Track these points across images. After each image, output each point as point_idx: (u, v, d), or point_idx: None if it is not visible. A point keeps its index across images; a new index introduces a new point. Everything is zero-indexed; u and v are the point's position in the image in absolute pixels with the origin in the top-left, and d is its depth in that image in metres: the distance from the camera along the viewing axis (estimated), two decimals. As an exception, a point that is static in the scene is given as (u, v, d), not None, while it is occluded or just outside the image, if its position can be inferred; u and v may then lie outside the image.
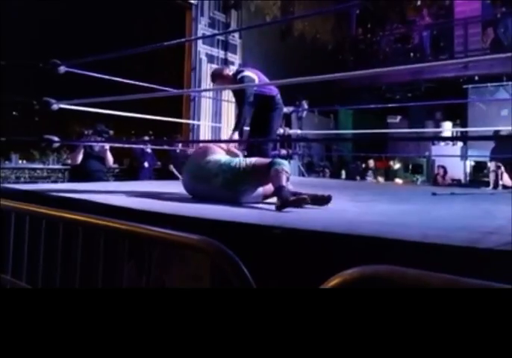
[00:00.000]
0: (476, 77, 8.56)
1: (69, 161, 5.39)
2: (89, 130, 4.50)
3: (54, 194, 2.62)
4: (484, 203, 3.25)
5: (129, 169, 6.36)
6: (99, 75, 3.59)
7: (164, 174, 5.80)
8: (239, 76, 3.27)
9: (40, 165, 6.06)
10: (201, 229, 1.65)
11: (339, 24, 10.82)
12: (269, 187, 2.55)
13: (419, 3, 10.33)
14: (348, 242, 1.52)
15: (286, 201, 2.25)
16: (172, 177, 5.65)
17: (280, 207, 2.25)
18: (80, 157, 4.35)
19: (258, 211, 2.32)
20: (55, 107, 2.94)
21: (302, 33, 9.61)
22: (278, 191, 2.33)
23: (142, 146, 5.85)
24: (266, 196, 2.63)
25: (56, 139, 2.94)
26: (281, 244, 1.61)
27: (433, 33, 9.43)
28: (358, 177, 7.79)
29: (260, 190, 2.58)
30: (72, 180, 4.93)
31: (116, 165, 5.96)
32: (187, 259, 1.17)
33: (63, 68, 3.03)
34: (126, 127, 8.15)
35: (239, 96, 3.24)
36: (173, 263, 1.31)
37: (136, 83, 4.48)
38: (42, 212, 1.53)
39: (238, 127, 3.17)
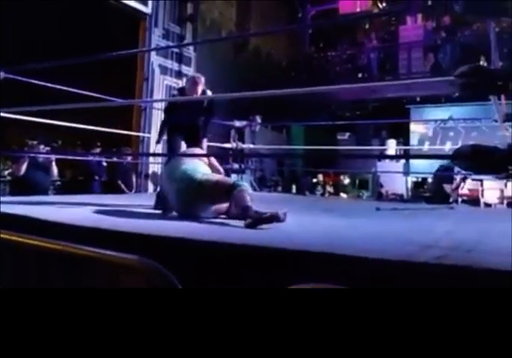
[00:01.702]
0: (418, 98, 9.07)
1: (6, 172, 5.13)
2: (34, 140, 4.32)
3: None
4: (424, 218, 3.43)
5: (73, 182, 6.08)
6: (41, 83, 3.48)
7: (110, 188, 5.58)
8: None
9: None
10: (140, 246, 1.64)
11: (292, 42, 11.13)
12: (221, 207, 2.60)
13: (367, 26, 10.84)
14: (295, 258, 1.56)
15: (259, 218, 2.28)
16: (118, 191, 5.49)
17: (251, 225, 2.27)
18: (24, 168, 4.17)
19: (201, 226, 2.33)
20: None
21: (257, 48, 9.79)
22: (246, 211, 2.36)
23: (96, 158, 5.64)
24: (219, 213, 2.64)
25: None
26: (228, 261, 1.62)
27: (380, 56, 9.91)
28: (307, 192, 7.97)
29: (212, 208, 2.60)
30: (13, 192, 4.68)
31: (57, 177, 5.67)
32: (122, 282, 1.15)
33: (2, 74, 2.91)
34: (73, 138, 7.89)
35: (207, 109, 3.45)
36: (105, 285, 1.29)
37: (84, 92, 4.38)
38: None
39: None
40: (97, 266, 1.24)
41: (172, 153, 3.36)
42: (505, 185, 7.78)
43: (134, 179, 6.21)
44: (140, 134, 6.43)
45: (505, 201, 7.75)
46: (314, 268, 1.48)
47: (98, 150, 6.05)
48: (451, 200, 7.05)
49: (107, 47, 3.28)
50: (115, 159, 6.00)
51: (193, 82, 3.44)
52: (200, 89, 3.45)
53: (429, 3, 7.67)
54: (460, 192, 7.55)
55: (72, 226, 1.99)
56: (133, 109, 6.66)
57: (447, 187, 7.32)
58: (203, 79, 3.47)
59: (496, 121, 4.35)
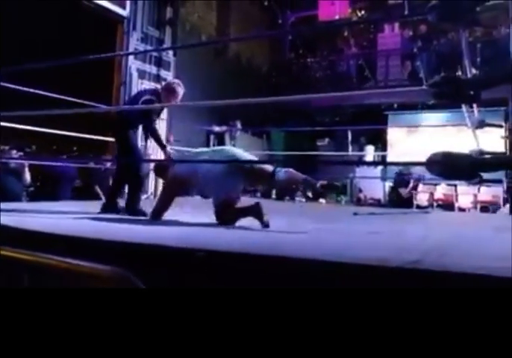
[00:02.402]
0: (395, 105, 9.24)
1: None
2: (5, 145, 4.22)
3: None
4: (400, 222, 3.48)
5: (43, 187, 5.83)
6: (14, 86, 3.40)
7: (86, 194, 5.46)
8: None
9: None
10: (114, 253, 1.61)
11: (273, 48, 11.19)
12: None
13: (346, 33, 10.98)
14: (270, 263, 1.55)
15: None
16: (95, 197, 5.38)
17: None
18: (-7, 173, 4.05)
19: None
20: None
21: (238, 53, 9.80)
22: (307, 180, 2.86)
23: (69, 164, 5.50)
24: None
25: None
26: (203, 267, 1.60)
27: (358, 62, 10.06)
28: (287, 197, 7.98)
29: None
30: None
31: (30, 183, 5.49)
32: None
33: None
34: (49, 143, 7.72)
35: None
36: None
37: (60, 96, 4.31)
38: None
39: None
40: (68, 277, 1.21)
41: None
42: (478, 190, 7.97)
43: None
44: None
45: (478, 206, 7.93)
46: (287, 273, 1.48)
47: (70, 155, 5.91)
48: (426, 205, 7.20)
49: (83, 50, 3.23)
50: (92, 164, 5.89)
51: (170, 90, 3.40)
52: (178, 99, 3.43)
53: (406, 12, 7.82)
54: (415, 194, 7.82)
55: (44, 234, 1.94)
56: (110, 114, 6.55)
57: (402, 191, 7.57)
58: (181, 91, 3.42)
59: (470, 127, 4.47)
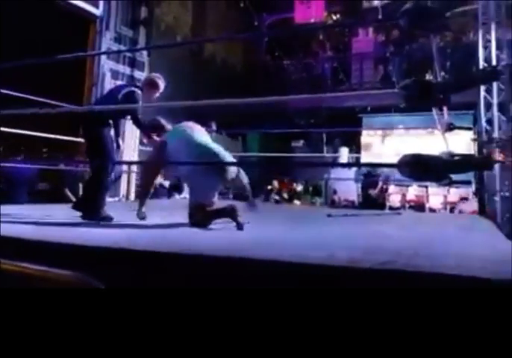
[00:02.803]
0: (369, 108, 9.39)
1: None
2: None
3: None
4: (372, 223, 3.53)
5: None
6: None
7: (54, 197, 5.27)
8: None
9: None
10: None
11: (249, 50, 11.20)
12: None
13: (321, 37, 11.10)
14: (241, 265, 1.54)
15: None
16: (65, 200, 5.22)
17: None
18: None
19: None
20: None
21: (213, 54, 9.76)
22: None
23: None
24: None
25: None
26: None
27: (333, 65, 10.18)
28: (263, 197, 8.00)
29: None
30: None
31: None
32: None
33: None
34: (17, 144, 7.49)
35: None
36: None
37: (30, 97, 4.19)
38: None
39: None
40: (29, 282, 1.17)
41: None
42: (448, 191, 8.18)
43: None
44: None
45: (448, 207, 8.14)
46: (255, 274, 1.47)
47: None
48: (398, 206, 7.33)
49: (54, 49, 3.15)
50: (62, 166, 5.73)
51: (152, 84, 3.33)
52: (157, 94, 3.37)
53: (379, 17, 7.97)
54: (387, 196, 7.99)
55: (7, 239, 1.87)
56: (82, 114, 6.39)
57: (372, 192, 7.74)
58: (162, 84, 3.36)
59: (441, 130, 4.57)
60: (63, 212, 3.20)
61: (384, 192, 8.10)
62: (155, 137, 3.19)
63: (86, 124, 3.29)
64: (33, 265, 1.08)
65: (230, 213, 2.67)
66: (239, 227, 2.62)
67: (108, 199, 6.26)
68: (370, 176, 7.82)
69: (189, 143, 2.96)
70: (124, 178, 6.66)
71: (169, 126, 3.28)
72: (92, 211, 3.03)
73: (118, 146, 3.54)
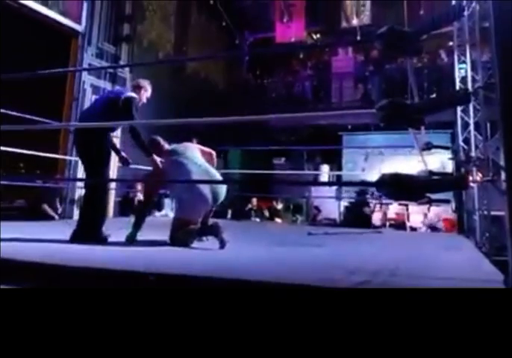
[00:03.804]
0: (349, 126, 9.52)
1: None
2: None
3: None
4: (352, 242, 3.52)
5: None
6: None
7: (31, 214, 5.14)
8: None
9: None
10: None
11: (230, 67, 11.30)
12: None
13: (301, 55, 11.29)
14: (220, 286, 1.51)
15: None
16: (43, 217, 5.11)
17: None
18: None
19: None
20: None
21: (195, 71, 9.81)
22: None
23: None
24: None
25: None
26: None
27: (313, 84, 10.32)
28: (243, 217, 7.95)
29: None
30: None
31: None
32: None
33: None
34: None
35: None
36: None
37: (7, 112, 4.11)
38: None
39: None
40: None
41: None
42: (428, 209, 8.27)
43: (59, 205, 5.84)
44: (67, 158, 6.06)
45: (428, 225, 8.22)
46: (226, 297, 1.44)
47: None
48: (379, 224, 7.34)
49: (34, 64, 3.10)
50: (39, 182, 5.61)
51: (142, 87, 3.29)
52: (148, 95, 3.35)
53: (357, 38, 8.15)
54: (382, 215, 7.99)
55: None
56: (61, 130, 6.30)
57: (366, 210, 7.74)
58: (149, 87, 3.33)
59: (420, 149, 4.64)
60: (40, 229, 3.11)
61: (375, 210, 8.10)
62: (155, 156, 3.07)
63: (84, 138, 3.06)
64: None
65: (214, 230, 2.65)
66: (222, 244, 2.60)
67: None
68: (363, 194, 7.81)
69: (190, 162, 3.04)
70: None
71: (166, 145, 3.26)
72: (91, 231, 2.86)
73: (127, 161, 3.39)
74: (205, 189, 2.90)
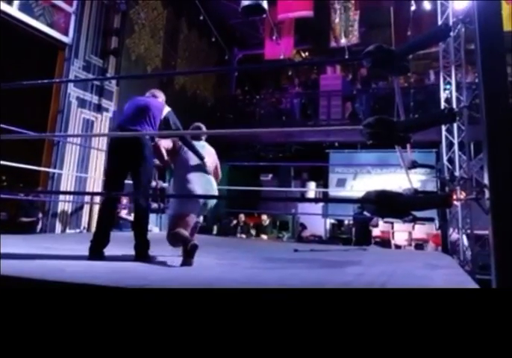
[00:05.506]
0: (336, 144, 9.57)
1: None
2: None
3: None
4: (339, 259, 3.49)
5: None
6: None
7: (11, 227, 5.01)
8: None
9: None
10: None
11: (219, 83, 11.35)
12: None
13: (290, 73, 11.40)
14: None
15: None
16: (22, 230, 4.97)
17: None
18: None
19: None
20: None
21: (183, 86, 9.82)
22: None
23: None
24: None
25: None
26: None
27: (302, 101, 10.40)
28: (229, 233, 7.87)
29: None
30: None
31: None
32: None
33: None
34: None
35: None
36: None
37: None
38: None
39: None
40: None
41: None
42: (413, 227, 8.31)
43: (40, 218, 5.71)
44: (50, 170, 5.95)
45: (413, 243, 8.24)
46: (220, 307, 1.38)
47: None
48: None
49: (19, 75, 3.06)
50: (21, 195, 5.47)
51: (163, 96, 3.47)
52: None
53: (346, 57, 8.27)
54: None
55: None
56: (44, 143, 6.19)
57: (372, 226, 7.63)
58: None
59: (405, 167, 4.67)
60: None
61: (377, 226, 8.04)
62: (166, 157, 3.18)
63: (132, 149, 3.00)
64: None
65: (189, 249, 2.59)
66: (184, 264, 2.55)
67: (69, 231, 6.05)
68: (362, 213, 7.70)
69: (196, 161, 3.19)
70: (86, 209, 6.42)
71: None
72: (144, 251, 2.79)
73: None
74: (197, 187, 2.98)
